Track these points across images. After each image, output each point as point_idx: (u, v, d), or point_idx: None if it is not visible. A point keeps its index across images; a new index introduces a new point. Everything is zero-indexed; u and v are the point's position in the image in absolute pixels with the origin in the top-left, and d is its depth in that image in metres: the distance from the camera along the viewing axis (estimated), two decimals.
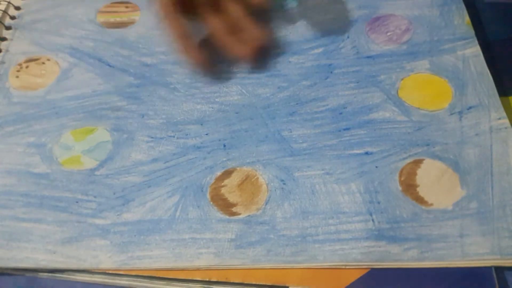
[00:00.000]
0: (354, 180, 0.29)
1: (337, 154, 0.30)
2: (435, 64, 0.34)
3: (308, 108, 0.32)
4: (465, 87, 0.32)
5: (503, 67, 0.34)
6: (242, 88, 0.34)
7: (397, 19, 0.37)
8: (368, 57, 0.35)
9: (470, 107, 0.31)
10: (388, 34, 0.36)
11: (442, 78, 0.33)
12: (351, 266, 0.25)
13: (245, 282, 0.25)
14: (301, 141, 0.31)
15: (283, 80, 0.34)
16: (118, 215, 0.28)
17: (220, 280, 0.26)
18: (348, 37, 0.36)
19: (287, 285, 0.25)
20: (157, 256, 0.26)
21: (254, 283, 0.25)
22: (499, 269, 0.25)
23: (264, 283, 0.25)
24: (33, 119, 0.33)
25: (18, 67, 0.36)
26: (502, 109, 0.31)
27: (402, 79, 0.33)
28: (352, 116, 0.32)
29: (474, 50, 0.34)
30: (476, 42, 0.34)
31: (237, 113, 0.33)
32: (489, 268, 0.25)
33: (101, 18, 0.39)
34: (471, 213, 0.27)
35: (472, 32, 0.35)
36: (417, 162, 0.29)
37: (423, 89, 0.33)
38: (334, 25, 0.37)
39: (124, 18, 0.39)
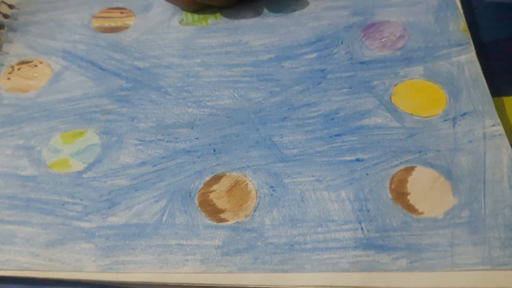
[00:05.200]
0: (344, 187, 0.28)
1: (328, 160, 0.29)
2: (429, 70, 0.33)
3: (300, 114, 0.32)
4: (459, 94, 0.32)
5: (500, 67, 0.34)
6: (234, 92, 0.34)
7: (391, 25, 0.36)
8: (361, 62, 0.34)
9: (464, 114, 0.31)
10: (383, 40, 0.35)
11: (436, 84, 0.32)
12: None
13: None
14: (292, 147, 0.30)
15: (275, 84, 0.34)
16: (103, 218, 0.28)
17: None
18: (342, 42, 0.36)
19: None
20: (142, 261, 0.26)
21: None
22: None
23: None
24: (23, 121, 0.33)
25: (10, 69, 0.36)
26: (496, 115, 0.30)
27: (395, 85, 0.33)
28: (344, 122, 0.31)
29: (469, 56, 0.33)
30: (472, 48, 0.34)
31: (228, 117, 0.32)
32: None
33: (96, 23, 0.39)
34: (462, 222, 0.26)
35: (467, 38, 0.34)
36: (409, 170, 0.29)
37: (417, 95, 0.32)
38: (328, 31, 0.37)
39: (118, 23, 0.39)
